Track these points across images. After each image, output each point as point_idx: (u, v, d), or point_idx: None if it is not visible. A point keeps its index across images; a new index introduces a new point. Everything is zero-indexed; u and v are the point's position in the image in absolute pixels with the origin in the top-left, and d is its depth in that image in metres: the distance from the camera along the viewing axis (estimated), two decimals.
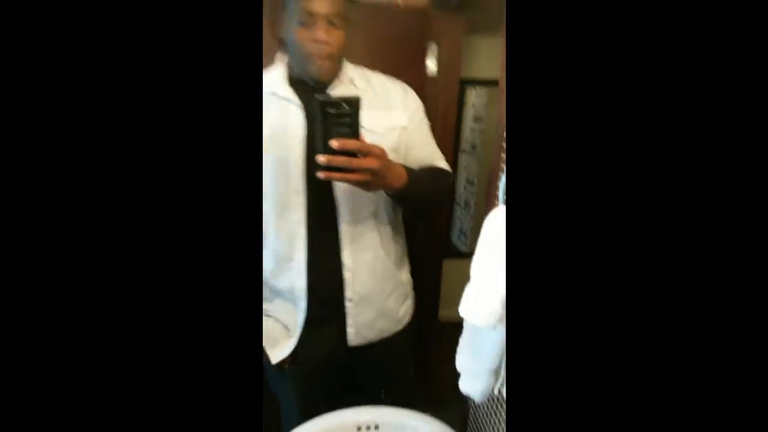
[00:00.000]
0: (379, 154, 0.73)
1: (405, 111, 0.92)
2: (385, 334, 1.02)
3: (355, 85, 0.90)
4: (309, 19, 0.78)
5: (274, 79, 0.88)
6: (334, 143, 0.69)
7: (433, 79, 1.30)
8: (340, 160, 0.70)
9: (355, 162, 0.70)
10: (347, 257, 0.92)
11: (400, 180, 0.79)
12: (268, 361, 0.99)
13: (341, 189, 0.88)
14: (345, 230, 0.91)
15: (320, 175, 0.71)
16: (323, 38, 0.78)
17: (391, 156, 0.80)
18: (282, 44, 0.87)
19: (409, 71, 1.11)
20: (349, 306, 0.96)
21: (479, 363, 0.67)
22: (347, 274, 0.93)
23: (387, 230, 0.97)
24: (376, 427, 0.88)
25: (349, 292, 0.95)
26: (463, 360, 0.71)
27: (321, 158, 0.70)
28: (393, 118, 0.90)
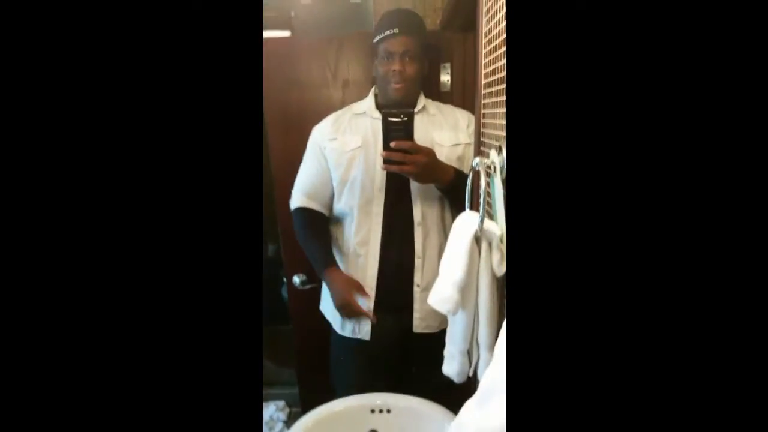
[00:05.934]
0: (426, 152, 0.98)
1: (468, 132, 1.15)
2: (444, 326, 1.13)
3: (428, 111, 1.18)
4: (389, 56, 1.09)
5: (367, 104, 1.20)
6: (392, 143, 0.95)
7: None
8: (396, 155, 0.95)
9: (407, 157, 0.96)
10: (418, 245, 1.13)
11: (446, 176, 1.03)
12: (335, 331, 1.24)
13: (415, 186, 1.11)
14: (417, 221, 1.13)
15: (382, 167, 1.00)
16: (398, 68, 1.08)
17: (457, 164, 1.08)
18: (374, 82, 1.22)
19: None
20: (417, 292, 1.15)
21: (453, 347, 0.75)
22: (417, 261, 1.14)
23: (450, 223, 1.16)
24: (388, 411, 0.98)
25: (418, 278, 1.14)
26: (445, 347, 0.80)
27: (382, 153, 0.97)
28: (459, 137, 1.15)
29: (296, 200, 1.22)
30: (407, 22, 1.10)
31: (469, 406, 0.43)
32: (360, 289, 1.15)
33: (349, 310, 1.15)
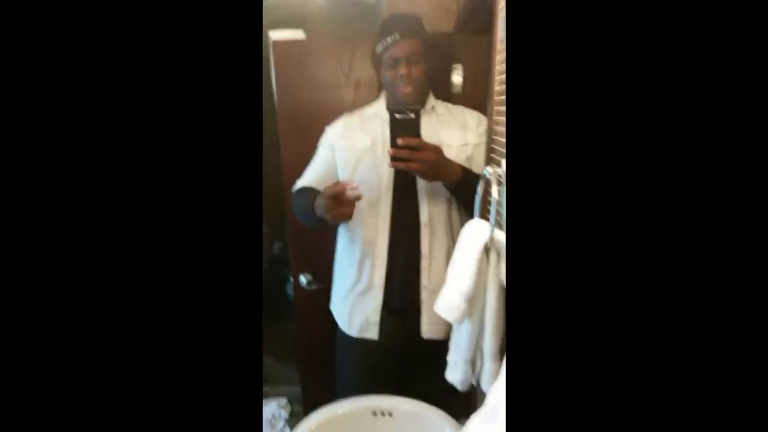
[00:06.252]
0: (434, 149, 0.95)
1: (478, 132, 1.15)
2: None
3: (436, 111, 1.16)
4: (394, 62, 1.08)
5: (379, 106, 1.20)
6: (399, 140, 0.93)
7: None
8: (403, 153, 0.93)
9: (414, 154, 0.93)
10: (425, 246, 1.12)
11: (454, 174, 1.00)
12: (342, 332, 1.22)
13: (422, 186, 1.11)
14: (424, 222, 1.12)
15: (389, 164, 0.96)
16: (405, 72, 1.07)
17: (465, 165, 1.04)
18: (382, 86, 1.22)
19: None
20: (424, 294, 1.13)
21: (457, 354, 0.75)
22: (424, 263, 1.12)
23: (457, 223, 1.15)
24: (390, 414, 0.98)
25: (425, 279, 1.13)
26: (449, 354, 0.79)
27: (390, 150, 0.94)
28: (468, 137, 1.14)
29: (297, 186, 1.21)
30: (406, 25, 1.09)
31: (475, 422, 0.43)
32: (339, 191, 0.97)
33: (337, 213, 0.99)
